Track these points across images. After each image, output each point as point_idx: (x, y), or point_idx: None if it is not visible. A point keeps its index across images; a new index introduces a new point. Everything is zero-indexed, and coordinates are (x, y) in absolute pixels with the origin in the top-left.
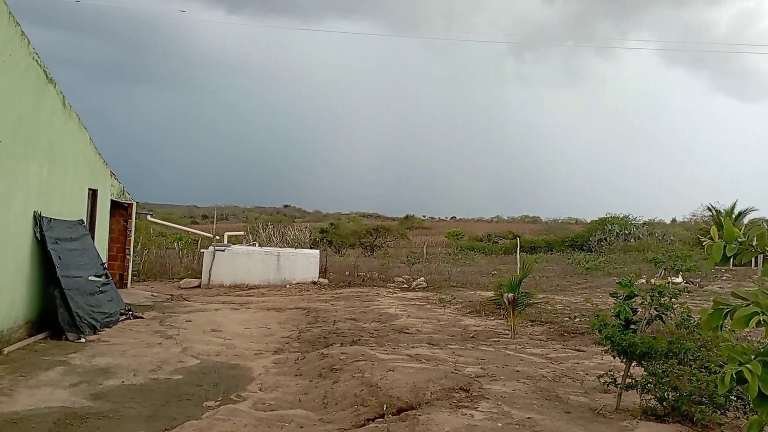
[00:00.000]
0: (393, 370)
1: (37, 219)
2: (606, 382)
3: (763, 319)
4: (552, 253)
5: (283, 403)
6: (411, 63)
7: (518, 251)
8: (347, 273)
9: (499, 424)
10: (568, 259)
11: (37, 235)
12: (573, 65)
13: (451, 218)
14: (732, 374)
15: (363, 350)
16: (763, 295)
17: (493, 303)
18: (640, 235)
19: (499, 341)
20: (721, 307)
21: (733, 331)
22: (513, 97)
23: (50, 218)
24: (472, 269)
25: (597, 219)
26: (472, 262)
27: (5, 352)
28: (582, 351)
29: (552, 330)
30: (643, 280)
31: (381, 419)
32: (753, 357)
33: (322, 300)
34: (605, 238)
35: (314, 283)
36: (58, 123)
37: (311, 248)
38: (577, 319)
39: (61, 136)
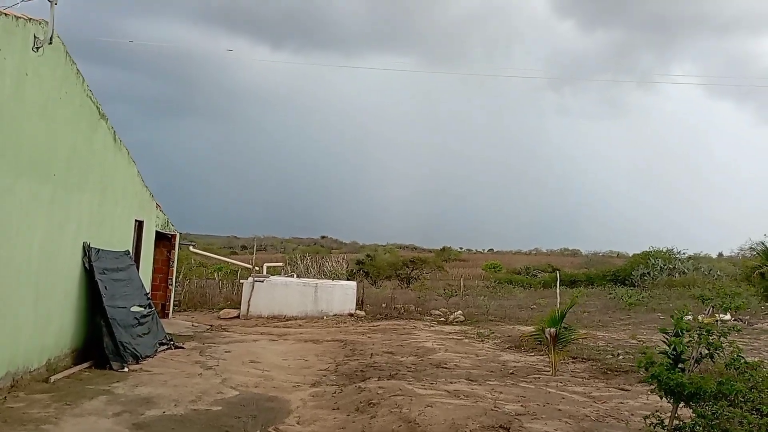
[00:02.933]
0: (431, 406)
1: (86, 249)
2: (653, 423)
3: None
4: (593, 288)
5: None
6: (449, 97)
7: (558, 285)
8: (384, 305)
9: None
10: (610, 293)
11: (86, 265)
12: (614, 97)
13: (489, 250)
14: None
15: (400, 385)
16: None
17: (533, 338)
18: (685, 270)
19: (539, 378)
20: None
21: None
22: (553, 129)
23: (98, 249)
24: (511, 303)
25: (639, 252)
26: (511, 296)
27: (52, 380)
28: (626, 390)
29: (594, 367)
30: (690, 317)
31: None
32: None
33: (359, 332)
34: (648, 273)
35: (351, 315)
36: (108, 157)
37: (348, 279)
38: (621, 357)
39: (112, 169)
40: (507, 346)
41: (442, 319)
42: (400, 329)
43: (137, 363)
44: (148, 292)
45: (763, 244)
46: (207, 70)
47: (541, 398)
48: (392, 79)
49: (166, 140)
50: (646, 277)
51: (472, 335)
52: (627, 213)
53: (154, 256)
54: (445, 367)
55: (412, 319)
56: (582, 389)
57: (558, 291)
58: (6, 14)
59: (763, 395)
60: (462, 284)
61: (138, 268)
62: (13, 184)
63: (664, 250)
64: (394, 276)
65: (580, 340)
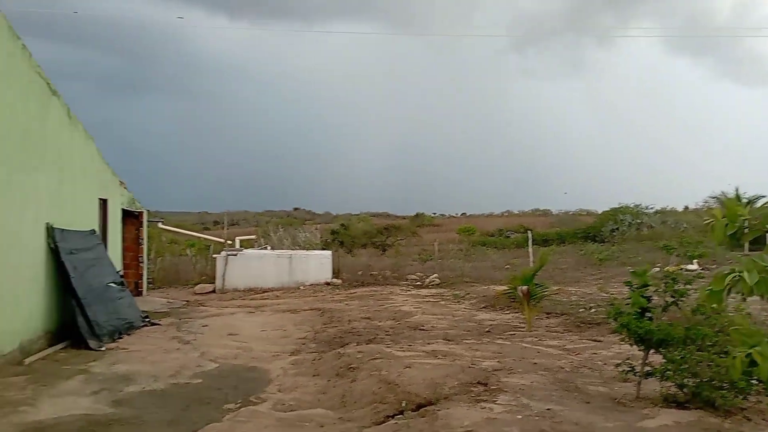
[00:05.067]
0: (410, 367)
1: (50, 230)
2: (624, 370)
3: (738, 275)
4: (564, 245)
5: (302, 403)
6: (414, 63)
7: (530, 244)
8: (360, 273)
9: (519, 417)
10: (581, 250)
11: (51, 246)
12: (575, 57)
13: (462, 215)
14: (743, 358)
15: (379, 348)
16: (747, 262)
17: (507, 296)
18: (653, 224)
19: (515, 334)
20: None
21: (748, 315)
22: (517, 92)
23: (62, 229)
24: (485, 264)
25: (609, 209)
26: (485, 258)
27: (26, 363)
28: (599, 341)
29: (568, 321)
30: (658, 269)
31: (400, 416)
32: (766, 339)
33: (336, 300)
34: (617, 228)
35: (327, 283)
36: (64, 135)
37: (323, 250)
38: (593, 310)
39: (69, 147)
40: (482, 305)
41: (418, 283)
42: (377, 295)
43: (113, 341)
44: (119, 270)
45: (717, 198)
46: (164, 44)
47: (517, 353)
48: (358, 48)
49: (126, 118)
50: (615, 233)
51: (448, 297)
52: (595, 171)
53: (123, 234)
54: (423, 329)
55: (388, 284)
56: (556, 342)
57: (530, 250)
58: None
59: (729, 338)
60: (437, 248)
61: (106, 246)
62: None
63: (632, 206)
64: (370, 244)
65: (553, 296)
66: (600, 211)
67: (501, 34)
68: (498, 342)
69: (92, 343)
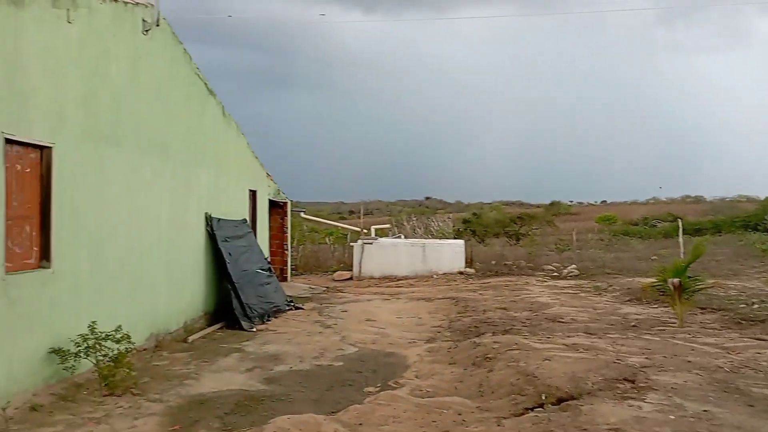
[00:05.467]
0: (549, 360)
1: (208, 219)
2: None
3: None
4: (720, 235)
5: (439, 390)
6: (547, 44)
7: (680, 234)
8: (493, 262)
9: (672, 417)
10: (740, 240)
11: (210, 233)
12: (734, 27)
13: (602, 202)
14: None
15: (516, 339)
16: None
17: (655, 289)
18: None
19: (664, 330)
20: None
21: None
22: (665, 67)
23: (219, 218)
24: (628, 255)
25: None
26: (628, 248)
27: (189, 340)
28: (764, 340)
29: (726, 318)
30: None
31: (540, 408)
32: None
33: (470, 289)
34: None
35: (460, 273)
36: (220, 131)
37: (455, 239)
38: (756, 306)
39: (224, 143)
40: (627, 298)
41: (555, 273)
42: (512, 285)
43: (263, 323)
44: (267, 257)
45: None
46: (304, 40)
47: (668, 350)
48: (488, 32)
49: (270, 112)
50: None
51: (588, 289)
52: (757, 153)
53: (269, 223)
54: (562, 321)
55: (523, 275)
56: (713, 340)
57: (681, 240)
58: (115, 1)
59: None
60: (574, 238)
61: (255, 235)
62: (138, 164)
63: None
64: (502, 233)
65: (708, 289)
66: (762, 197)
67: (645, 7)
68: (645, 337)
69: (245, 324)
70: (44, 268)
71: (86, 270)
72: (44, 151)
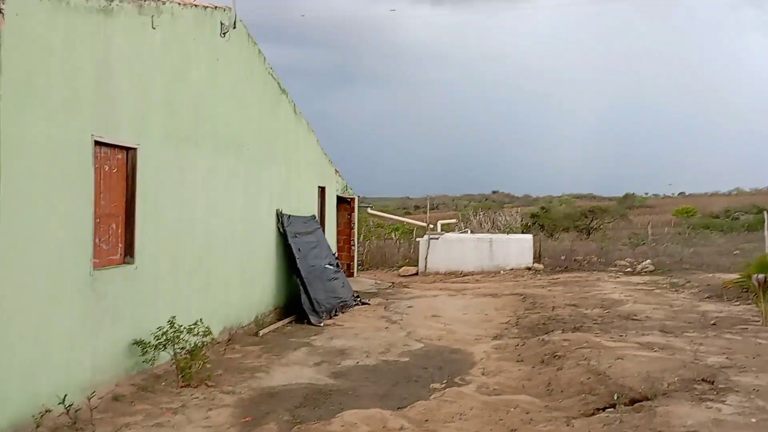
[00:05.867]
0: (622, 359)
1: (279, 216)
2: None
3: None
4: None
5: (506, 388)
6: (628, 27)
7: (765, 227)
8: (563, 257)
9: (754, 420)
10: None
11: (281, 230)
12: None
13: (680, 194)
14: None
15: (587, 337)
16: None
17: (738, 286)
18: None
19: (747, 329)
20: None
21: None
22: (753, 49)
23: (289, 215)
24: (708, 249)
25: None
26: (708, 242)
27: (260, 334)
28: None
29: None
30: None
31: (612, 409)
32: None
33: (538, 285)
34: None
35: (528, 268)
36: (291, 129)
37: (523, 233)
38: None
39: (295, 140)
40: (706, 295)
41: (628, 269)
42: (582, 281)
43: (330, 318)
44: (334, 252)
45: None
46: (373, 37)
47: (750, 350)
48: (561, 19)
49: (339, 109)
50: None
51: (664, 285)
52: None
53: (337, 219)
54: (636, 319)
55: (594, 270)
56: None
57: (766, 234)
58: (196, 5)
59: None
60: (649, 232)
61: (323, 230)
62: (215, 163)
63: None
64: (572, 227)
65: None
66: None
67: None
68: (726, 336)
69: (313, 319)
70: (128, 264)
71: (166, 266)
72: (130, 152)
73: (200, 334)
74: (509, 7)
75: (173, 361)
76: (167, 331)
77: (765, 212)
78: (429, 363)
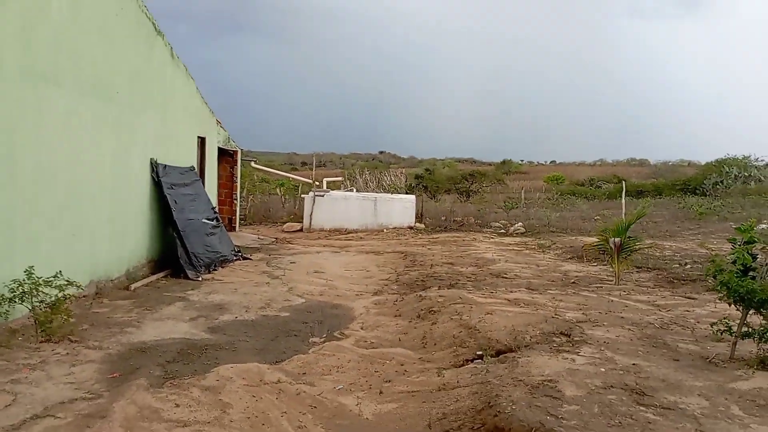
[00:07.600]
0: (491, 314)
1: (154, 165)
2: (720, 330)
3: None
4: (661, 198)
5: (384, 342)
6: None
7: (623, 196)
8: (443, 218)
9: (603, 369)
10: (679, 203)
11: (155, 180)
12: None
13: (551, 162)
14: None
15: (460, 293)
16: None
17: (596, 248)
18: (762, 178)
19: (602, 287)
20: None
21: None
22: (623, 31)
23: (165, 165)
24: (573, 215)
25: (713, 161)
26: (573, 208)
27: (132, 288)
28: (693, 299)
29: (660, 277)
30: (765, 226)
31: (479, 360)
32: None
33: (419, 244)
34: (721, 182)
35: (410, 227)
36: (168, 74)
37: (407, 194)
38: (689, 266)
39: (171, 86)
40: (569, 256)
41: (502, 231)
42: (460, 241)
43: (209, 272)
44: (214, 206)
45: None
46: None
47: (603, 306)
48: None
49: (226, 59)
50: (719, 186)
51: (533, 246)
52: (701, 119)
53: (218, 172)
54: (505, 277)
55: (471, 231)
56: (646, 298)
57: (624, 202)
58: None
59: None
60: (523, 197)
61: (203, 183)
62: (77, 105)
63: (740, 157)
64: (453, 190)
65: (646, 249)
66: (703, 162)
67: None
68: (583, 294)
69: (190, 273)
70: None
71: (23, 215)
72: None
73: (60, 287)
74: None
75: (32, 314)
76: (23, 282)
77: (623, 182)
78: (309, 318)
